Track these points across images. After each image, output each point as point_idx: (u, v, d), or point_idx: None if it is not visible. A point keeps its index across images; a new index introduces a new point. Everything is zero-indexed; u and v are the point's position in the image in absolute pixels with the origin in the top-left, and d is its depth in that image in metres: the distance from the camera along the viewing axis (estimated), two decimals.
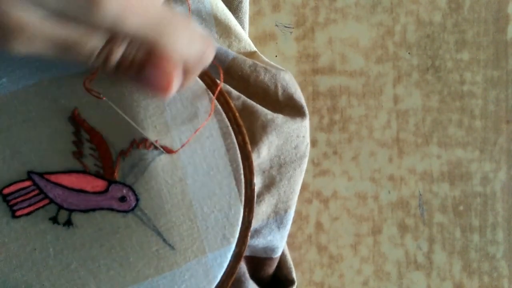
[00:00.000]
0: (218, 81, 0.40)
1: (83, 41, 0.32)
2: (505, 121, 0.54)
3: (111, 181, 0.39)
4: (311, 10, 0.53)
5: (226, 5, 0.48)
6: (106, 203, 0.39)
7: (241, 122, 0.40)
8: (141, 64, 0.33)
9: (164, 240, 0.40)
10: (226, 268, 0.41)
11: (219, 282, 0.41)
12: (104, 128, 0.39)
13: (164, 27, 0.32)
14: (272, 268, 0.49)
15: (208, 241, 0.40)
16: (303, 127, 0.45)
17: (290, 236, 0.53)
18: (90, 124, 0.39)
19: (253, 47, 0.49)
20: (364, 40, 0.53)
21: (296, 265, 0.53)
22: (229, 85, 0.44)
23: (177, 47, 0.33)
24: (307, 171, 0.52)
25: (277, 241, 0.47)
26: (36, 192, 0.39)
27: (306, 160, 0.46)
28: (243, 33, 0.48)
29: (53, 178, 0.39)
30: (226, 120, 0.40)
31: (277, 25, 0.53)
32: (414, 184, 0.54)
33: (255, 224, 0.45)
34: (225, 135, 0.40)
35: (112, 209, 0.39)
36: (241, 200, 0.40)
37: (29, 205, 0.39)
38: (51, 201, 0.39)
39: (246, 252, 0.46)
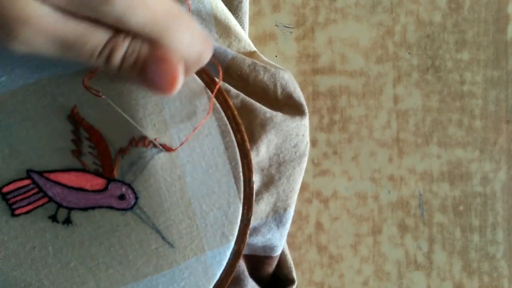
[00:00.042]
0: (217, 80, 0.40)
1: (86, 37, 0.32)
2: (505, 121, 0.54)
3: (110, 179, 0.39)
4: (311, 10, 0.53)
5: (226, 5, 0.48)
6: (105, 201, 0.39)
7: (239, 120, 0.40)
8: (144, 62, 0.33)
9: (163, 238, 0.40)
10: (225, 266, 0.41)
11: (218, 280, 0.41)
12: (103, 126, 0.39)
13: (170, 24, 0.32)
14: (271, 267, 0.49)
15: (207, 239, 0.40)
16: (302, 126, 0.45)
17: (290, 236, 0.53)
18: (89, 122, 0.39)
19: (252, 47, 0.49)
20: (364, 40, 0.53)
21: (296, 265, 0.53)
22: (229, 84, 0.44)
23: (180, 45, 0.33)
24: (307, 171, 0.52)
25: (276, 240, 0.47)
26: (35, 190, 0.39)
27: (305, 159, 0.46)
28: (243, 33, 0.48)
29: (52, 176, 0.39)
30: (225, 118, 0.40)
31: (277, 25, 0.53)
32: (414, 184, 0.54)
33: (254, 222, 0.45)
34: (223, 133, 0.40)
35: (111, 207, 0.39)
36: (240, 198, 0.40)
37: (28, 204, 0.39)
38: (50, 199, 0.39)
39: (245, 251, 0.46)
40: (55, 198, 0.39)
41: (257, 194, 0.45)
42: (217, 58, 0.45)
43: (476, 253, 0.55)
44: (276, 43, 0.53)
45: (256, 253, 0.48)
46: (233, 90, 0.44)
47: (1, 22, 0.30)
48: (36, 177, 0.39)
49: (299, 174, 0.46)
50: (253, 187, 0.41)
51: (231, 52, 0.45)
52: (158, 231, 0.40)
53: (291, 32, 0.53)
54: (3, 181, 0.39)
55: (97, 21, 0.32)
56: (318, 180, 0.54)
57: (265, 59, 0.48)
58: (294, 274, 0.51)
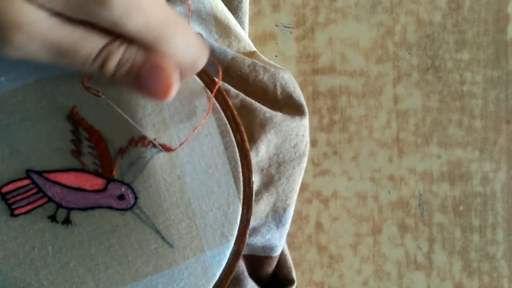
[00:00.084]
0: (217, 80, 0.40)
1: (80, 44, 0.32)
2: (505, 121, 0.54)
3: (109, 179, 0.39)
4: (311, 10, 0.53)
5: (226, 5, 0.48)
6: (104, 201, 0.39)
7: (239, 120, 0.40)
8: (139, 69, 0.33)
9: (162, 238, 0.40)
10: (225, 266, 0.41)
11: (218, 280, 0.41)
12: (103, 126, 0.39)
13: (166, 29, 0.32)
14: (271, 267, 0.49)
15: (206, 239, 0.40)
16: (302, 126, 0.45)
17: (290, 236, 0.53)
18: (89, 122, 0.39)
19: (252, 47, 0.49)
20: (364, 40, 0.53)
21: (296, 265, 0.53)
22: (228, 84, 0.44)
23: (175, 50, 0.33)
24: (307, 171, 0.52)
25: (276, 240, 0.47)
26: (35, 190, 0.39)
27: (305, 159, 0.46)
28: (242, 33, 0.48)
29: (51, 176, 0.39)
30: (224, 118, 0.40)
31: (277, 25, 0.53)
32: (414, 184, 0.54)
33: (253, 222, 0.45)
34: (223, 133, 0.40)
35: (110, 207, 0.39)
36: (239, 198, 0.40)
37: (28, 204, 0.39)
38: (50, 199, 0.39)
39: (245, 251, 0.46)
40: (55, 198, 0.39)
41: (256, 194, 0.45)
42: (217, 58, 0.45)
43: (476, 253, 0.55)
44: (276, 43, 0.53)
45: (255, 253, 0.48)
46: (233, 90, 0.44)
47: None
48: (35, 177, 0.39)
49: (298, 174, 0.46)
50: (252, 187, 0.41)
51: (231, 52, 0.45)
52: (157, 231, 0.40)
53: (291, 32, 0.53)
54: (2, 181, 0.39)
55: (93, 25, 0.31)
56: (318, 180, 0.54)
57: (265, 59, 0.48)
58: (294, 274, 0.50)
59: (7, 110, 0.39)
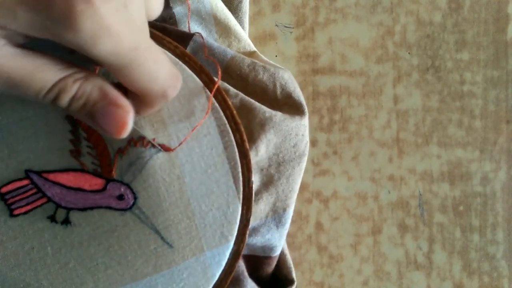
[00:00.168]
0: (216, 79, 0.40)
1: (33, 77, 0.31)
2: (505, 121, 0.54)
3: (109, 180, 0.39)
4: (311, 10, 0.53)
5: (226, 5, 0.48)
6: (104, 202, 0.39)
7: (238, 120, 0.40)
8: (93, 106, 0.33)
9: (162, 238, 0.40)
10: (225, 266, 0.41)
11: (217, 280, 0.41)
12: None
13: (136, 57, 0.31)
14: (271, 267, 0.49)
15: (206, 239, 0.40)
16: (302, 125, 0.45)
17: (290, 236, 0.53)
18: None
19: (252, 47, 0.49)
20: (364, 40, 0.53)
21: (296, 265, 0.53)
22: (228, 84, 0.44)
23: (142, 78, 0.33)
24: (307, 171, 0.52)
25: (276, 240, 0.47)
26: (34, 190, 0.39)
27: (305, 158, 0.46)
28: (242, 33, 0.48)
29: (51, 176, 0.39)
30: (224, 118, 0.40)
31: (277, 25, 0.53)
32: (414, 184, 0.54)
33: (253, 222, 0.45)
34: (222, 133, 0.40)
35: (110, 208, 0.39)
36: (239, 198, 0.40)
37: (27, 204, 0.39)
38: (49, 199, 0.39)
39: (245, 251, 0.46)
40: (54, 198, 0.39)
41: (256, 194, 0.44)
42: (216, 58, 0.45)
43: (476, 253, 0.55)
44: (276, 43, 0.53)
45: (255, 253, 0.48)
46: (232, 90, 0.44)
47: None
48: (35, 177, 0.39)
49: (298, 174, 0.46)
50: (252, 187, 0.41)
51: (231, 51, 0.45)
52: (157, 231, 0.40)
53: (291, 32, 0.53)
54: (2, 181, 0.39)
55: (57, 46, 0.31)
56: (318, 180, 0.54)
57: (265, 59, 0.48)
58: (294, 274, 0.50)
59: (6, 110, 0.39)
